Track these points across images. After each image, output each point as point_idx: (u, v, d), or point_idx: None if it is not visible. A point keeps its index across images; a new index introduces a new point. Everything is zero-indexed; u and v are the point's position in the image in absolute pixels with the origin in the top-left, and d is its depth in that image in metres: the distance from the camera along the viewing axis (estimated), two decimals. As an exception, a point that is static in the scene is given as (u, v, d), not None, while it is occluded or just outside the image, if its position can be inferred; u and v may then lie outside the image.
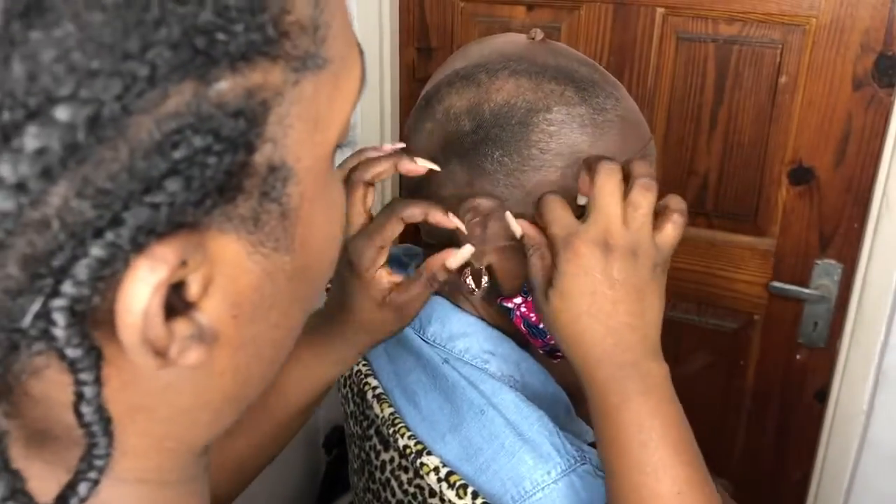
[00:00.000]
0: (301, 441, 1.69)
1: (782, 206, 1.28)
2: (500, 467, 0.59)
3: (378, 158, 0.59)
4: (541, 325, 0.65)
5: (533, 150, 0.60)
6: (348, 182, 0.59)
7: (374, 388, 0.68)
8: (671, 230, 0.56)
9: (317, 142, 0.28)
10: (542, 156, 0.60)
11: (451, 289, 0.68)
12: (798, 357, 1.35)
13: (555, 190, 0.59)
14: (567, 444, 0.59)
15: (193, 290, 0.25)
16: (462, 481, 0.59)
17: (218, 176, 0.24)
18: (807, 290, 1.29)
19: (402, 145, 0.62)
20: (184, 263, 0.24)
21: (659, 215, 0.56)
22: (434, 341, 0.66)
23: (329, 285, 0.73)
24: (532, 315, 0.65)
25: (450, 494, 0.59)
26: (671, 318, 1.39)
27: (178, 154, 0.23)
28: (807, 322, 1.31)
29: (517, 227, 0.59)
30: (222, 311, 0.27)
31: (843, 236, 1.25)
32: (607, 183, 0.55)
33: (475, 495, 0.58)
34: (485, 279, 0.63)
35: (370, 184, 0.60)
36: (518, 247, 0.62)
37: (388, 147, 0.60)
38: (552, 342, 0.66)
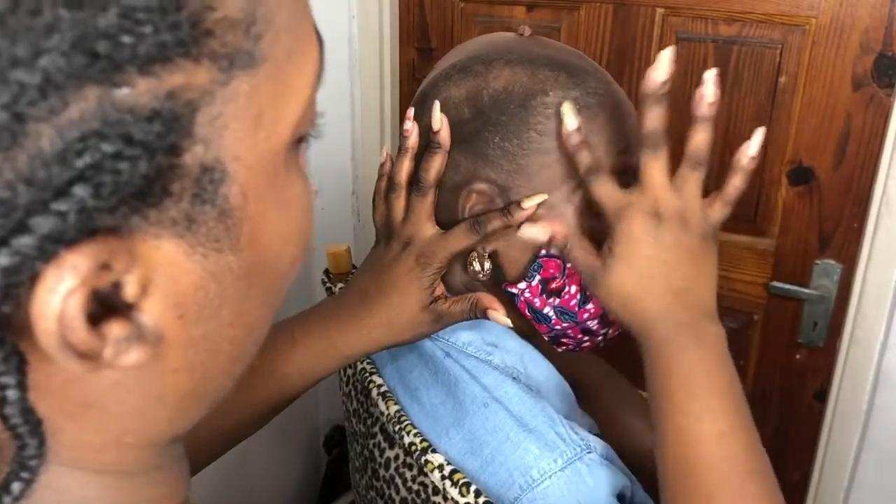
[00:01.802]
0: (301, 441, 1.69)
1: (782, 205, 1.28)
2: (506, 458, 0.59)
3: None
4: (545, 311, 0.65)
5: (532, 132, 0.61)
6: (417, 186, 0.63)
7: (379, 385, 0.68)
8: (720, 206, 0.60)
9: (261, 139, 0.28)
10: (540, 138, 0.61)
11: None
12: (797, 357, 1.35)
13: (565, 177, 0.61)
14: (572, 432, 0.60)
15: (130, 291, 0.25)
16: (465, 479, 0.59)
17: (134, 181, 0.24)
18: (806, 290, 1.29)
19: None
20: (106, 267, 0.24)
21: (711, 195, 0.60)
22: (438, 335, 0.66)
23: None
24: (536, 300, 0.65)
25: (453, 492, 0.59)
26: (671, 317, 1.39)
27: (83, 161, 0.22)
28: (806, 322, 1.32)
29: (543, 232, 0.61)
30: (165, 311, 0.27)
31: (842, 236, 1.25)
32: (653, 159, 0.58)
33: (478, 493, 0.58)
34: (488, 264, 0.64)
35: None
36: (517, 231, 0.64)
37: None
38: (557, 327, 0.66)
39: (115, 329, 0.25)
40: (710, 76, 0.57)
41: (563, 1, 1.33)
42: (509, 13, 1.38)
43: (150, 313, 0.26)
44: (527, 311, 0.66)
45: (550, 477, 0.58)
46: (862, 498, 1.33)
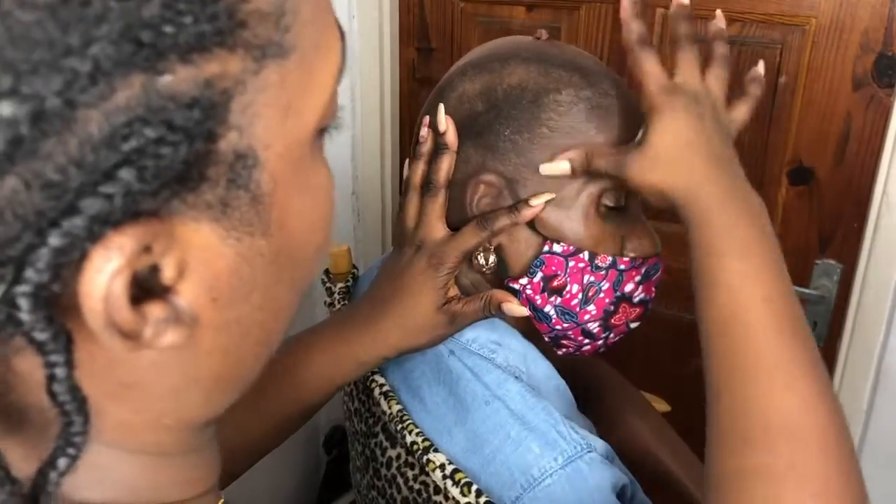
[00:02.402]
0: (301, 441, 1.69)
1: (782, 206, 1.28)
2: (507, 457, 0.60)
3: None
4: (546, 309, 0.65)
5: (543, 128, 0.62)
6: (428, 187, 0.64)
7: (381, 385, 0.68)
8: (744, 110, 0.65)
9: (289, 128, 0.29)
10: (551, 134, 0.62)
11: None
12: (798, 357, 1.35)
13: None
14: (573, 431, 0.60)
15: (168, 274, 0.26)
16: (467, 479, 0.59)
17: (175, 165, 0.25)
18: (806, 291, 1.29)
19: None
20: (147, 249, 0.25)
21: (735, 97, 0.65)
22: None
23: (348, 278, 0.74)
24: (537, 297, 0.65)
25: (454, 491, 0.59)
26: (671, 317, 1.39)
27: (129, 146, 0.23)
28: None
29: (562, 166, 0.63)
30: (200, 293, 0.28)
31: (842, 236, 1.25)
32: (686, 56, 0.63)
33: (479, 493, 0.58)
34: (492, 258, 0.65)
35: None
36: (526, 226, 0.64)
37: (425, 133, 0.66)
38: (557, 327, 0.67)
39: (155, 310, 0.26)
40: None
41: (563, 1, 1.33)
42: (509, 13, 1.38)
43: (186, 296, 0.27)
44: (528, 308, 0.66)
45: (551, 475, 0.58)
46: (862, 498, 1.33)
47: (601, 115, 0.63)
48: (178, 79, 0.24)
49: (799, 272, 1.30)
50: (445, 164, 0.64)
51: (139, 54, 0.23)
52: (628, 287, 0.67)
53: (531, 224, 0.64)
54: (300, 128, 0.29)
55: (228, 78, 0.26)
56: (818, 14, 1.17)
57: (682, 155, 0.59)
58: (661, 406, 1.11)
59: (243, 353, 0.32)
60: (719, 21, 0.68)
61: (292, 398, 0.65)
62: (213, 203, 0.27)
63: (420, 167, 0.66)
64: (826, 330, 1.30)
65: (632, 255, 0.66)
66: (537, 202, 0.62)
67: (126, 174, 0.24)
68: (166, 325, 0.27)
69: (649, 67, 0.62)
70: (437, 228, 0.64)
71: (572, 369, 0.87)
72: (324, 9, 0.31)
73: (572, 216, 0.64)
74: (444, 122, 0.64)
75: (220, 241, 0.28)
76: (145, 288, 0.26)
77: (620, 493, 0.61)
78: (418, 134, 0.66)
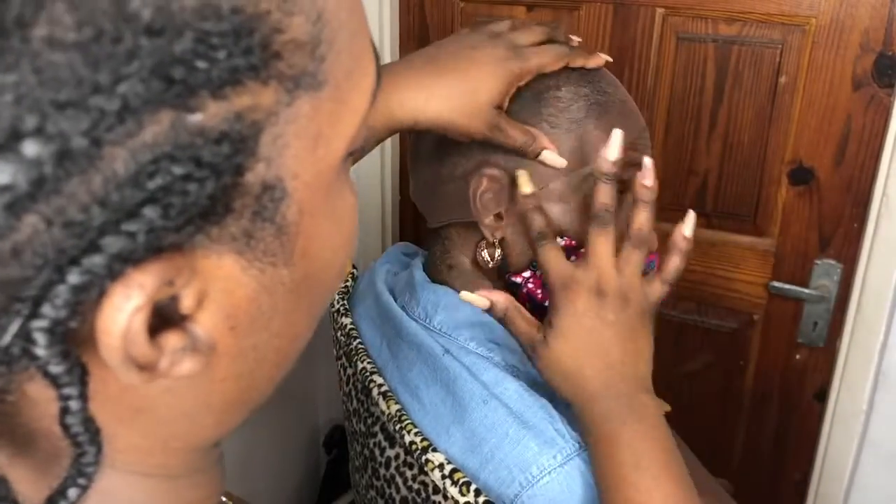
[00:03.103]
0: (301, 441, 1.69)
1: (782, 206, 1.28)
2: (506, 455, 0.60)
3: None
4: (546, 304, 0.66)
5: (544, 123, 0.63)
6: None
7: (380, 385, 0.68)
8: (658, 285, 0.63)
9: (319, 157, 0.28)
10: (551, 130, 0.64)
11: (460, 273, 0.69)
12: (798, 357, 1.35)
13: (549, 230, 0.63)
14: (570, 429, 0.60)
15: (186, 304, 0.26)
16: (465, 478, 0.59)
17: (201, 201, 0.24)
18: (806, 290, 1.29)
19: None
20: (170, 283, 0.25)
21: (650, 273, 0.63)
22: (440, 330, 0.67)
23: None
24: (539, 292, 0.66)
25: (453, 491, 0.59)
26: (671, 317, 1.39)
27: (154, 184, 0.23)
28: (806, 322, 1.32)
29: (482, 301, 0.64)
30: (218, 322, 0.27)
31: (842, 236, 1.25)
32: (601, 236, 0.60)
33: (478, 492, 0.58)
34: (498, 252, 0.66)
35: None
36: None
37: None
38: None
39: (173, 340, 0.26)
40: (648, 168, 0.61)
41: (563, 1, 1.33)
42: (509, 13, 1.38)
43: (204, 325, 0.27)
44: (528, 304, 0.66)
45: (550, 473, 0.58)
46: (862, 498, 1.33)
47: (599, 112, 0.65)
48: (209, 114, 0.23)
49: (799, 272, 1.30)
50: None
51: (170, 91, 0.22)
52: None
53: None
54: (330, 155, 0.29)
55: (260, 110, 0.25)
56: (818, 14, 1.17)
57: (576, 363, 0.60)
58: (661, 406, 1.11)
59: (257, 378, 0.31)
60: (645, 180, 0.62)
61: None
62: (238, 235, 0.26)
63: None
64: (826, 330, 1.30)
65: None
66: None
67: (150, 212, 0.23)
68: (183, 355, 0.26)
69: (548, 262, 0.62)
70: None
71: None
72: (359, 33, 0.30)
73: (573, 211, 0.65)
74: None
75: (241, 271, 0.27)
76: (163, 316, 0.26)
77: None
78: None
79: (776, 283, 1.31)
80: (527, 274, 0.66)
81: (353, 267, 0.84)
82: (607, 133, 0.63)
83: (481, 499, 0.58)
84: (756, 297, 1.34)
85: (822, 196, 1.25)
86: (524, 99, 0.64)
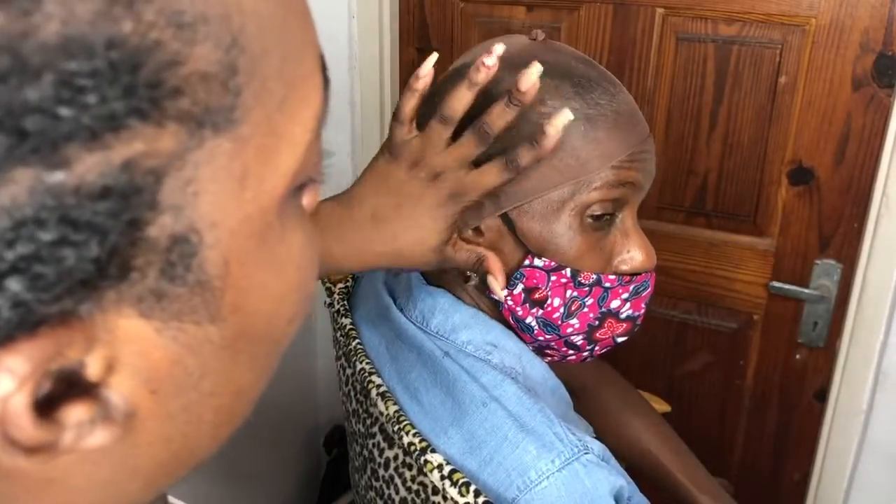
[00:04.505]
0: (301, 441, 1.69)
1: (782, 206, 1.28)
2: (504, 458, 0.60)
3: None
4: (528, 320, 0.66)
5: (526, 142, 0.60)
6: (479, 133, 0.60)
7: (379, 385, 0.68)
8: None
9: (247, 200, 0.24)
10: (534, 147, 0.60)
11: (452, 281, 0.69)
12: (798, 357, 1.35)
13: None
14: (569, 433, 0.60)
15: (93, 371, 0.22)
16: (464, 479, 0.59)
17: (84, 266, 0.20)
18: (806, 290, 1.29)
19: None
20: (59, 354, 0.21)
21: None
22: (438, 333, 0.67)
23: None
24: (518, 309, 0.65)
25: (452, 492, 0.59)
26: (671, 317, 1.39)
27: (15, 253, 0.19)
28: (806, 322, 1.32)
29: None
30: (136, 387, 0.23)
31: (842, 236, 1.25)
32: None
33: (477, 493, 0.58)
34: (474, 276, 0.65)
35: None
36: (510, 237, 0.64)
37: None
38: (540, 338, 0.67)
39: (76, 413, 0.22)
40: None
41: (563, 1, 1.33)
42: (509, 13, 1.38)
43: (119, 390, 0.23)
44: (510, 319, 0.66)
45: (548, 477, 0.58)
46: (862, 498, 1.33)
47: (587, 127, 0.61)
48: (84, 168, 0.20)
49: (799, 272, 1.30)
50: (509, 118, 0.58)
51: (22, 146, 0.19)
52: (614, 303, 0.66)
53: (516, 235, 0.63)
54: (262, 196, 0.25)
55: (158, 156, 0.21)
56: (818, 14, 1.17)
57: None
58: (662, 406, 1.11)
59: (193, 438, 0.27)
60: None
61: None
62: (145, 296, 0.22)
63: (466, 97, 0.59)
64: (826, 330, 1.30)
65: (623, 268, 0.66)
66: (555, 129, 0.57)
67: (14, 284, 0.19)
68: (93, 427, 0.22)
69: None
70: (465, 165, 0.61)
71: (568, 368, 0.87)
72: (298, 53, 0.26)
73: (555, 230, 0.63)
74: (532, 84, 0.57)
75: (156, 333, 0.23)
76: (71, 383, 0.22)
77: (618, 495, 0.61)
78: (482, 62, 0.58)
79: (776, 283, 1.31)
80: (504, 292, 0.65)
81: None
82: (596, 149, 0.61)
83: (481, 499, 0.58)
84: (756, 297, 1.34)
85: (822, 196, 1.25)
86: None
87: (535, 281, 0.64)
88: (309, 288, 0.29)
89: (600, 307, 0.66)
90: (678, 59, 1.28)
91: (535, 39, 0.66)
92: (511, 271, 0.65)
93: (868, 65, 1.16)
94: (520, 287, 0.64)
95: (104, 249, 0.21)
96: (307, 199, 0.29)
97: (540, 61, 0.61)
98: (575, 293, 0.65)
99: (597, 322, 0.66)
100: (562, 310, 0.65)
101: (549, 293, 0.64)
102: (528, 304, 0.65)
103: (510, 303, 0.65)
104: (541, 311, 0.65)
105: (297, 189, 0.27)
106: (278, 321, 0.28)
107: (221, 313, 0.25)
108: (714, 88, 1.26)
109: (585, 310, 0.66)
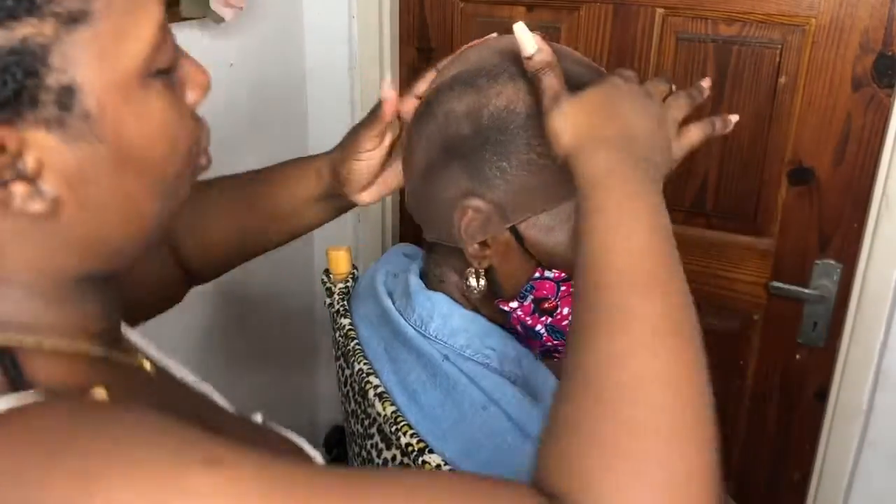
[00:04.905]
0: (301, 441, 1.69)
1: (782, 206, 1.28)
2: (502, 462, 0.59)
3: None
4: (537, 328, 0.65)
5: (532, 153, 0.60)
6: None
7: (376, 386, 0.68)
8: (697, 132, 0.64)
9: (106, 68, 0.40)
10: (539, 160, 0.60)
11: (453, 287, 0.69)
12: (798, 357, 1.35)
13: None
14: None
15: (29, 166, 0.39)
16: (464, 480, 0.59)
17: (6, 92, 0.37)
18: (806, 290, 1.29)
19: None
20: (2, 149, 0.38)
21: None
22: (436, 337, 0.66)
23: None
24: (528, 319, 0.65)
25: (451, 493, 0.59)
26: (671, 318, 1.39)
27: None
28: (806, 322, 1.32)
29: (531, 43, 0.59)
30: (57, 180, 0.40)
31: (842, 236, 1.25)
32: (662, 84, 0.63)
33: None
34: (483, 281, 0.65)
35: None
36: (518, 250, 0.63)
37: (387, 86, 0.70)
38: (548, 343, 0.67)
39: (21, 188, 0.39)
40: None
41: (563, 1, 1.33)
42: (509, 13, 1.38)
43: (47, 182, 0.40)
44: (519, 327, 0.66)
45: None
46: (862, 498, 1.33)
47: None
48: (3, 37, 0.37)
49: (798, 272, 1.30)
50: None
51: None
52: None
53: (524, 248, 0.63)
54: (120, 68, 0.41)
55: (44, 36, 0.38)
56: (818, 14, 1.17)
57: (592, 120, 0.55)
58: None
59: (103, 222, 0.44)
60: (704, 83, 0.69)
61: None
62: (50, 119, 0.39)
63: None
64: (826, 330, 1.30)
65: None
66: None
67: None
68: (32, 200, 0.40)
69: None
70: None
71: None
72: None
73: (564, 241, 0.63)
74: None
75: (65, 145, 0.40)
76: (18, 174, 0.39)
77: None
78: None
79: (776, 283, 1.31)
80: (514, 304, 0.65)
81: (354, 268, 0.84)
82: None
83: (480, 499, 0.58)
84: (756, 297, 1.34)
85: (821, 196, 1.25)
86: (511, 129, 0.60)
87: (544, 292, 0.64)
88: (173, 140, 0.45)
89: None
90: (678, 59, 1.28)
91: None
92: (520, 283, 0.65)
93: (868, 65, 1.16)
94: (530, 298, 0.65)
95: (18, 84, 0.38)
96: (191, 96, 0.47)
97: None
98: None
99: None
100: (571, 317, 0.65)
101: (559, 303, 0.65)
102: (537, 314, 0.66)
103: (520, 313, 0.65)
104: (550, 320, 0.66)
105: (162, 73, 0.43)
106: (154, 152, 0.44)
107: (106, 136, 0.41)
108: (714, 88, 1.26)
109: None
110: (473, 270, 0.64)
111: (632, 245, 0.48)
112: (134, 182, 0.44)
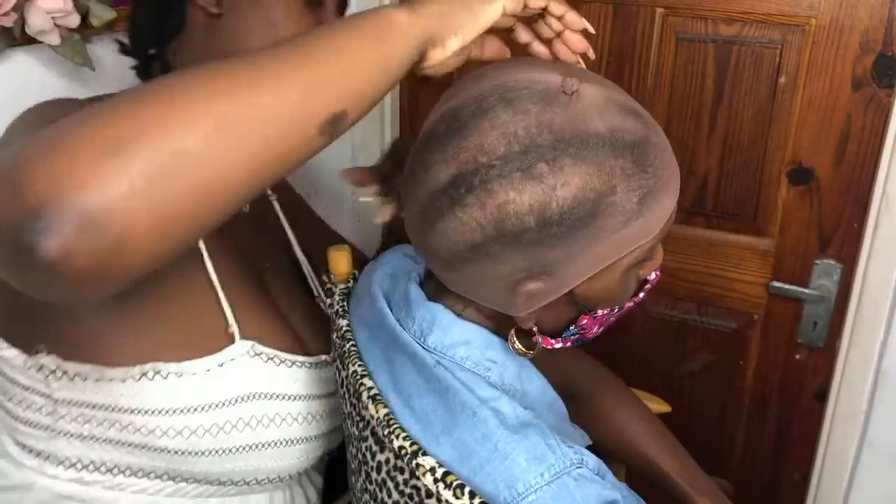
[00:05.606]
0: (301, 441, 1.69)
1: (782, 206, 1.28)
2: (494, 469, 0.59)
3: None
4: (564, 343, 0.70)
5: (598, 231, 0.59)
6: None
7: (370, 388, 0.68)
8: None
9: None
10: (603, 234, 0.59)
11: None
12: (797, 357, 1.35)
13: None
14: (563, 445, 0.59)
15: None
16: (459, 481, 0.59)
17: None
18: (806, 290, 1.29)
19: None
20: None
21: None
22: (435, 349, 0.66)
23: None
24: (560, 343, 0.69)
25: (447, 494, 0.59)
26: (671, 318, 1.39)
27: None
28: (806, 322, 1.31)
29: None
30: None
31: (842, 236, 1.25)
32: None
33: (472, 495, 0.58)
34: (538, 340, 0.67)
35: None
36: (564, 300, 0.64)
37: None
38: (567, 345, 0.70)
39: None
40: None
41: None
42: (509, 13, 1.38)
43: None
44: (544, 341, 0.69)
45: (536, 492, 0.57)
46: (862, 498, 1.33)
47: (655, 199, 0.60)
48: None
49: (798, 272, 1.30)
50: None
51: None
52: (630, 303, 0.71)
53: (571, 297, 0.64)
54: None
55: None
56: (818, 14, 1.17)
57: None
58: (661, 407, 1.11)
59: None
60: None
61: None
62: None
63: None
64: (825, 330, 1.30)
65: (645, 276, 0.69)
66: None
67: None
68: None
69: None
70: None
71: (564, 374, 0.87)
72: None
73: (612, 287, 0.65)
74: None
75: None
76: None
77: None
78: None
79: (776, 283, 1.31)
80: (558, 345, 0.69)
81: (355, 268, 0.84)
82: (661, 215, 0.62)
83: (476, 500, 0.58)
84: (756, 297, 1.34)
85: (821, 196, 1.25)
86: (582, 221, 0.58)
87: (585, 323, 0.68)
88: None
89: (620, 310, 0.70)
90: (678, 59, 1.27)
91: (568, 93, 0.59)
92: (564, 327, 0.68)
93: (868, 65, 1.16)
94: (573, 335, 0.69)
95: None
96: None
97: (596, 136, 0.57)
98: (612, 317, 0.69)
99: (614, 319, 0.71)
100: (596, 329, 0.69)
101: (595, 325, 0.69)
102: (571, 336, 0.69)
103: (559, 346, 0.69)
104: (578, 336, 0.69)
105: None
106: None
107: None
108: (714, 88, 1.26)
109: (611, 319, 0.70)
110: (518, 330, 0.66)
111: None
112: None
